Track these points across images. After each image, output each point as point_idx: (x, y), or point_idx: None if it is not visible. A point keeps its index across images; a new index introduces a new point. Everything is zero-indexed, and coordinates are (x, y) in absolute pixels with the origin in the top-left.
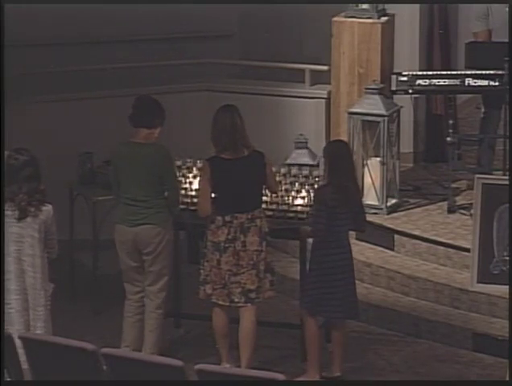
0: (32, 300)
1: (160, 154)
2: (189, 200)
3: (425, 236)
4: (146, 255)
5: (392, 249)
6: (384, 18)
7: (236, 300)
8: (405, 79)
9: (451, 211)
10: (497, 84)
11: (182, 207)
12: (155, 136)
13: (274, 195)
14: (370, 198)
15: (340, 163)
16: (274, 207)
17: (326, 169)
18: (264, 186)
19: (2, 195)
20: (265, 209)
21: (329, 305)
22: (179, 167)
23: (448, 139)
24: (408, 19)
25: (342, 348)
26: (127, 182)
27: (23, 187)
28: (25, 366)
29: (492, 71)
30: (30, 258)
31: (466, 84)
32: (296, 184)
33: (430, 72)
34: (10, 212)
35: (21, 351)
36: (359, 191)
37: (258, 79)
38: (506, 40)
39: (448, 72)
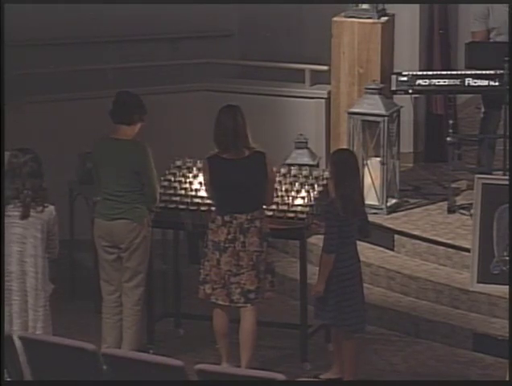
0: (32, 301)
1: (137, 150)
2: (189, 200)
3: (425, 236)
4: (122, 250)
5: (392, 249)
6: (384, 18)
7: (235, 300)
8: (405, 79)
9: (451, 211)
10: (497, 84)
11: (182, 207)
12: (135, 132)
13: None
14: (370, 198)
15: (348, 175)
16: (274, 207)
17: (333, 179)
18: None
19: (2, 195)
20: (265, 209)
21: (350, 317)
22: (179, 167)
23: (448, 139)
24: (408, 19)
25: (356, 357)
26: (106, 178)
27: (27, 184)
28: (25, 366)
29: (492, 71)
30: (32, 259)
31: (466, 84)
32: (296, 184)
33: (430, 72)
34: (11, 213)
35: (21, 351)
36: (364, 201)
37: (258, 79)
38: (507, 40)
39: (448, 72)
